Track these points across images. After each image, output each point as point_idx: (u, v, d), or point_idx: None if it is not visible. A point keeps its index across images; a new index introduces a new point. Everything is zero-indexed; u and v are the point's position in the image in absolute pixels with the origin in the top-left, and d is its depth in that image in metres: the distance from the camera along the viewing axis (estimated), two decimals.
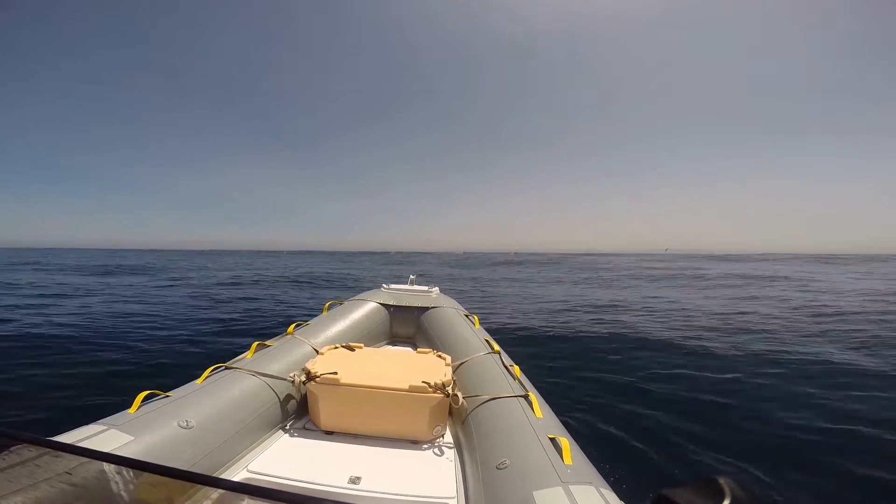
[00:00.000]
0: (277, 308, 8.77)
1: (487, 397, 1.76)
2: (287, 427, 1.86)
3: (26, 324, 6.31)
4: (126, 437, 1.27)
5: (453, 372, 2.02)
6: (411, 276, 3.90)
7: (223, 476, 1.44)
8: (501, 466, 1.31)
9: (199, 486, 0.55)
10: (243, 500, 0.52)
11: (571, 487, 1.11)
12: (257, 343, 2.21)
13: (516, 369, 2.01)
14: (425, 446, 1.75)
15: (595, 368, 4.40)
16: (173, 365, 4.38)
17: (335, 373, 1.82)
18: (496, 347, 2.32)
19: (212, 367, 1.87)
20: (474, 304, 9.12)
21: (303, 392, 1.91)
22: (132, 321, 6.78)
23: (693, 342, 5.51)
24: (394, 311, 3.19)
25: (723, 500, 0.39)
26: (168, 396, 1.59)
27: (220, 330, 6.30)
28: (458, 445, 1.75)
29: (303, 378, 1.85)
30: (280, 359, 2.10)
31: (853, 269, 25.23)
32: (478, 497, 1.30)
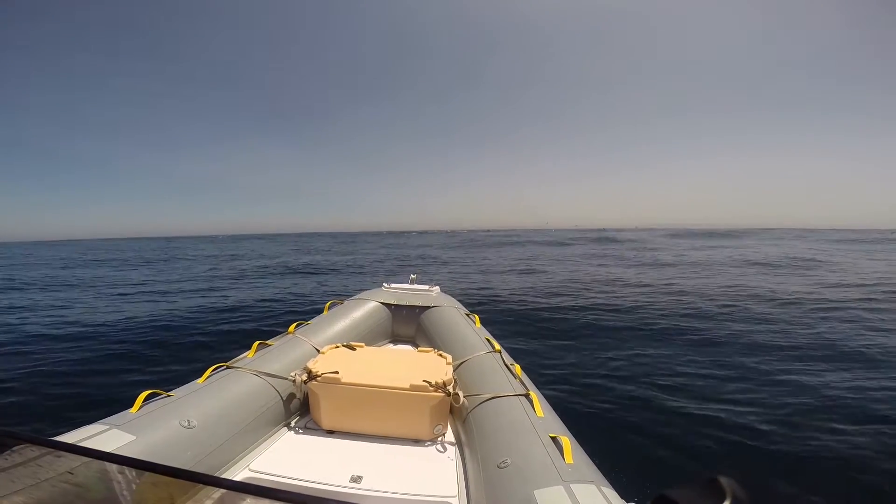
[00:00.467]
0: None
1: (488, 396, 1.76)
2: (288, 426, 1.86)
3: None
4: (128, 437, 1.27)
5: (454, 371, 2.02)
6: (412, 276, 3.91)
7: (225, 475, 1.44)
8: (502, 465, 1.31)
9: (201, 485, 0.55)
10: (245, 499, 0.52)
11: (573, 486, 1.11)
12: (258, 342, 2.22)
13: (517, 368, 2.01)
14: (426, 445, 1.76)
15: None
16: None
17: (336, 372, 1.82)
18: (497, 346, 2.32)
19: (213, 367, 1.87)
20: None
21: (304, 391, 1.92)
22: None
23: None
24: (394, 310, 3.19)
25: (724, 499, 0.39)
26: (170, 396, 1.59)
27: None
28: (459, 444, 1.75)
29: (304, 377, 1.86)
30: (281, 358, 2.11)
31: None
32: (479, 496, 1.30)
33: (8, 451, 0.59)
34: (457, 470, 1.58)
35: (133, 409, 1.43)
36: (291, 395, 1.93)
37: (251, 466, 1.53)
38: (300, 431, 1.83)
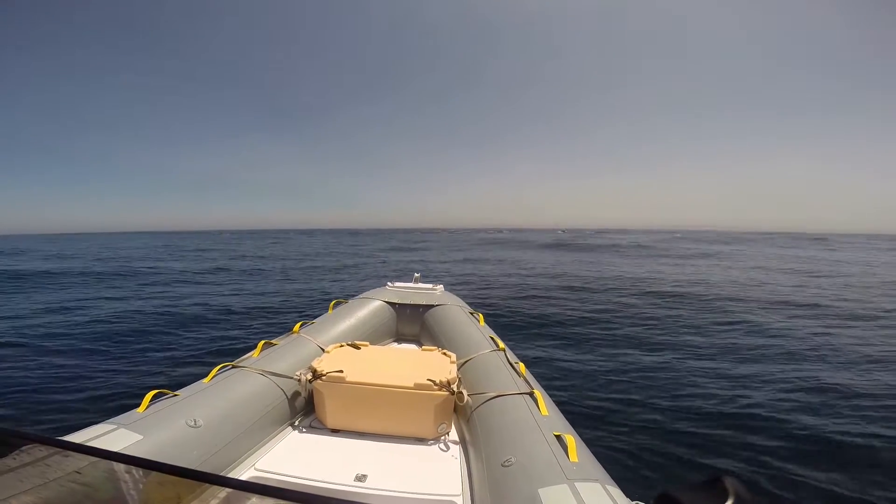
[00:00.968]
0: None
1: (493, 395, 1.76)
2: (294, 425, 1.88)
3: None
4: (135, 437, 1.28)
5: (458, 369, 2.02)
6: (416, 275, 3.91)
7: (231, 475, 1.45)
8: (507, 464, 1.31)
9: (208, 484, 0.55)
10: (251, 498, 0.53)
11: (577, 485, 1.11)
12: (263, 342, 2.23)
13: (521, 366, 2.01)
14: (431, 444, 1.76)
15: None
16: None
17: (341, 371, 1.83)
18: (501, 345, 2.31)
19: (219, 366, 1.89)
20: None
21: (309, 390, 1.92)
22: None
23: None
24: (398, 309, 3.20)
25: (726, 499, 0.39)
26: (176, 396, 1.60)
27: None
28: (463, 443, 1.75)
29: (309, 376, 1.86)
30: (286, 357, 2.12)
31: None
32: (483, 494, 1.31)
33: (16, 452, 0.60)
34: (461, 468, 1.58)
35: (140, 409, 1.44)
36: (296, 395, 1.94)
37: (257, 465, 1.54)
38: (305, 430, 1.84)
